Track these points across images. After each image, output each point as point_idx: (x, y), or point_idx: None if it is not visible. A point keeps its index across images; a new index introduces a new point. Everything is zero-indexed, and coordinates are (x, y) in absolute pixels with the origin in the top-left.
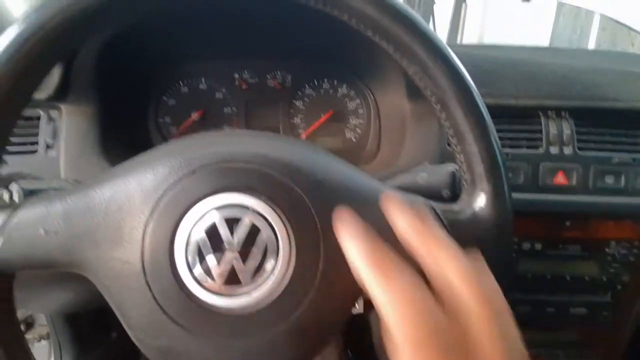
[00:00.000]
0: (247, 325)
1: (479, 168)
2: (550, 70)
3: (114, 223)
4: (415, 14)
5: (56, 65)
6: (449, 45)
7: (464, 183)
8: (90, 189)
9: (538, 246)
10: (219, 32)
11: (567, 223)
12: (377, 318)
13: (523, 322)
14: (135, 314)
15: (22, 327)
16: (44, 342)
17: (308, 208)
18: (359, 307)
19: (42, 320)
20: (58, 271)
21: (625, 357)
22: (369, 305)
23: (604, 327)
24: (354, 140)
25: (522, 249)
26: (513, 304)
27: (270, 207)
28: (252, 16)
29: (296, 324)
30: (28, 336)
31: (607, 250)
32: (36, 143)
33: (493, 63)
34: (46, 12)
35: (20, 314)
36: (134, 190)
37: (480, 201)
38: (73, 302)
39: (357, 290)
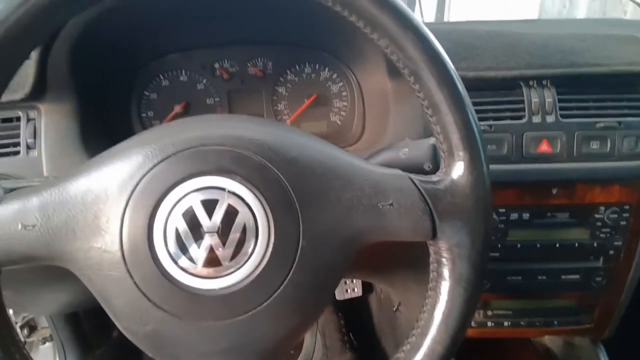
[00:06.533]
0: (230, 305)
1: (455, 137)
2: (529, 41)
3: (91, 213)
4: None
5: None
6: (435, 24)
7: (442, 154)
8: (66, 182)
9: (526, 215)
10: (195, 21)
11: (554, 191)
12: (377, 300)
13: (515, 291)
14: (118, 302)
15: (26, 331)
16: (48, 345)
17: (284, 185)
18: (357, 290)
19: (44, 322)
20: (50, 271)
21: (623, 323)
22: (368, 287)
23: (599, 292)
24: (338, 122)
25: (510, 219)
26: (504, 274)
27: (246, 187)
28: (227, 4)
29: (278, 301)
30: (32, 339)
31: (596, 215)
32: (18, 144)
33: (472, 37)
34: None
35: (22, 317)
36: (109, 180)
37: (458, 169)
38: (68, 302)
39: (340, 265)
